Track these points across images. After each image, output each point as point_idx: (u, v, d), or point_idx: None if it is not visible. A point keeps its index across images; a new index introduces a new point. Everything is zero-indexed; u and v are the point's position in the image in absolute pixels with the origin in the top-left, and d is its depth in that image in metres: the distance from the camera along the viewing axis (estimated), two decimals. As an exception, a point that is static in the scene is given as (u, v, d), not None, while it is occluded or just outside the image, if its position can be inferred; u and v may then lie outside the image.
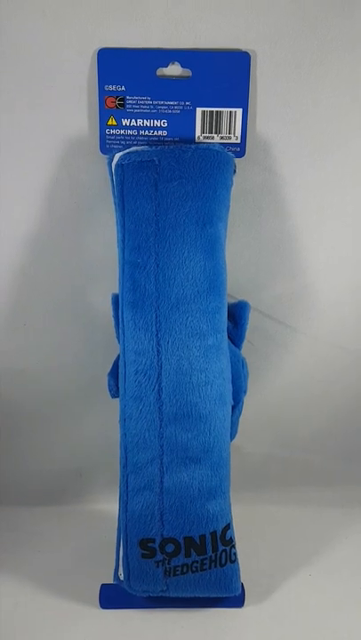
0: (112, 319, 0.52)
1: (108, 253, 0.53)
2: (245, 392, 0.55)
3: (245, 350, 0.55)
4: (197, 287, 0.48)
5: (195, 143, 0.50)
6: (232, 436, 0.53)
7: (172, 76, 0.50)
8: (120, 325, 0.50)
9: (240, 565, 0.51)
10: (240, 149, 0.51)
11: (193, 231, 0.48)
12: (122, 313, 0.49)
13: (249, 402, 0.55)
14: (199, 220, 0.47)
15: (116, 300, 0.51)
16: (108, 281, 0.53)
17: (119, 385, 0.51)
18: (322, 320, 0.59)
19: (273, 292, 0.58)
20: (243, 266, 0.56)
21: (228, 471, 0.51)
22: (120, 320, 0.50)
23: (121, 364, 0.50)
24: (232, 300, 0.53)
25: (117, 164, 0.48)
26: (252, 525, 0.59)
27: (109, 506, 0.58)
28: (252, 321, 0.54)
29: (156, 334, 0.48)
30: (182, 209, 0.47)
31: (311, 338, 0.60)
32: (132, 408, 0.49)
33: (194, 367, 0.48)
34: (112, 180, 0.50)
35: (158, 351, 0.48)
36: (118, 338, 0.51)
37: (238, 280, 0.55)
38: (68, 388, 0.61)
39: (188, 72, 0.49)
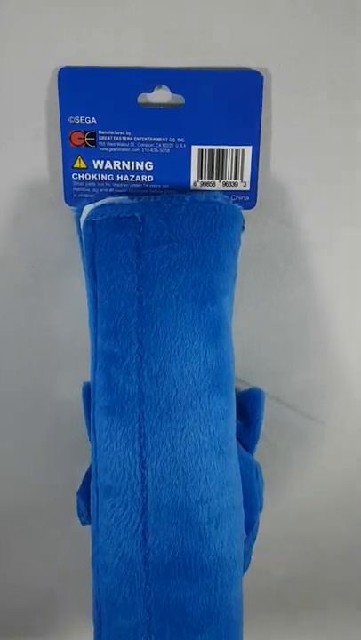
0: (83, 416, 0.43)
1: (79, 335, 0.44)
2: (261, 509, 0.44)
3: (259, 449, 0.45)
4: (196, 386, 0.37)
5: (190, 192, 0.42)
6: (245, 569, 0.42)
7: (160, 105, 0.42)
8: (92, 433, 0.39)
9: None
10: (250, 198, 0.43)
11: (189, 311, 0.37)
12: (94, 421, 0.39)
13: (265, 514, 0.45)
14: (197, 295, 0.37)
15: (88, 392, 0.42)
16: (79, 368, 0.44)
17: (91, 515, 0.40)
18: (356, 412, 0.49)
19: (294, 377, 0.48)
20: (254, 344, 0.47)
21: (239, 636, 0.39)
22: (92, 428, 0.39)
23: (92, 489, 0.39)
24: (242, 387, 0.44)
25: (87, 221, 0.38)
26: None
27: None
28: (269, 412, 0.45)
29: (140, 453, 0.37)
30: (174, 282, 0.37)
31: (342, 434, 0.49)
32: (108, 555, 0.37)
33: (192, 498, 0.37)
34: (81, 240, 0.40)
35: (143, 476, 0.37)
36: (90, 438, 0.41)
37: (249, 363, 0.45)
38: (32, 501, 0.51)
39: (179, 99, 0.41)
